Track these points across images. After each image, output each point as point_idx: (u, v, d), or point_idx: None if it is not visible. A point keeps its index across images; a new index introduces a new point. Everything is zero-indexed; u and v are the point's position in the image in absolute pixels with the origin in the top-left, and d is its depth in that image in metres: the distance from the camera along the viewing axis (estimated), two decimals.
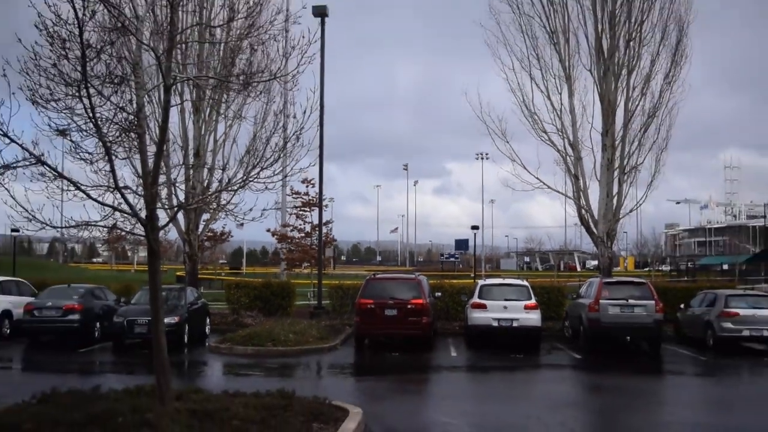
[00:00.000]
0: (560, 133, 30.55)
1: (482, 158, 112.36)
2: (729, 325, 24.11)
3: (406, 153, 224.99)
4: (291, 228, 50.70)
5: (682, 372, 21.51)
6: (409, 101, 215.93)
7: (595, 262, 50.31)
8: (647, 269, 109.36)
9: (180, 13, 10.96)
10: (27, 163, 10.52)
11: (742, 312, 24.25)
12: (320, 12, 30.76)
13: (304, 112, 12.37)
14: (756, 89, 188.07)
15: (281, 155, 13.28)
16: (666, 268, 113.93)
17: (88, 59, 10.00)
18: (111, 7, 10.32)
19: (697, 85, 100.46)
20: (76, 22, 9.74)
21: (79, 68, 9.95)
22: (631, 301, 23.95)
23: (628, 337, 24.43)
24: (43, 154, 10.50)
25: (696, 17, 30.62)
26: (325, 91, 30.76)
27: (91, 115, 10.27)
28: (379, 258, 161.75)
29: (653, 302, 23.93)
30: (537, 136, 30.86)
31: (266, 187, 13.12)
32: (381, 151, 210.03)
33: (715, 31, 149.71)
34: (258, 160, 12.86)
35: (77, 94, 10.17)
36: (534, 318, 24.62)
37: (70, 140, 11.21)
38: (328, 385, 18.38)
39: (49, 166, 10.61)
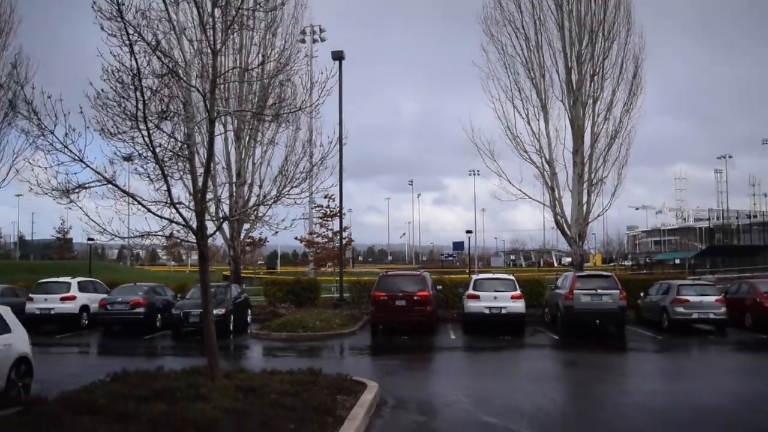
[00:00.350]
0: (538, 153, 30.64)
1: (474, 174, 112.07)
2: (681, 309, 24.13)
3: (411, 171, 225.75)
4: (316, 235, 50.91)
5: (643, 349, 21.40)
6: (413, 127, 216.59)
7: (569, 259, 50.25)
8: (612, 264, 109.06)
9: (221, 57, 10.99)
10: (99, 184, 10.59)
11: (691, 299, 24.24)
12: (338, 56, 30.83)
13: (330, 142, 12.46)
14: (697, 114, 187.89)
15: (308, 176, 13.33)
16: (628, 263, 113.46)
17: (146, 99, 10.07)
18: (164, 56, 10.39)
19: (651, 110, 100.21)
20: (136, 69, 9.82)
21: (139, 106, 10.02)
22: (599, 291, 23.88)
23: (598, 321, 24.30)
24: (112, 176, 10.58)
25: (648, 55, 30.97)
26: (342, 120, 30.81)
27: (149, 144, 10.34)
28: (389, 258, 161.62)
29: (618, 291, 23.89)
30: (519, 155, 30.96)
31: (295, 202, 13.19)
32: (390, 170, 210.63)
33: (665, 66, 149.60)
34: (289, 179, 12.93)
35: (138, 127, 10.24)
36: (519, 306, 24.51)
37: (134, 164, 11.30)
38: (349, 363, 18.36)
39: (118, 186, 10.68)
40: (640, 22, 30.89)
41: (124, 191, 10.69)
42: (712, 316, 24.07)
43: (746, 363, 19.59)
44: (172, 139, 10.95)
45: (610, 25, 30.16)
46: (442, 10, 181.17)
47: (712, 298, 24.42)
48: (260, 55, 24.06)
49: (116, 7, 9.73)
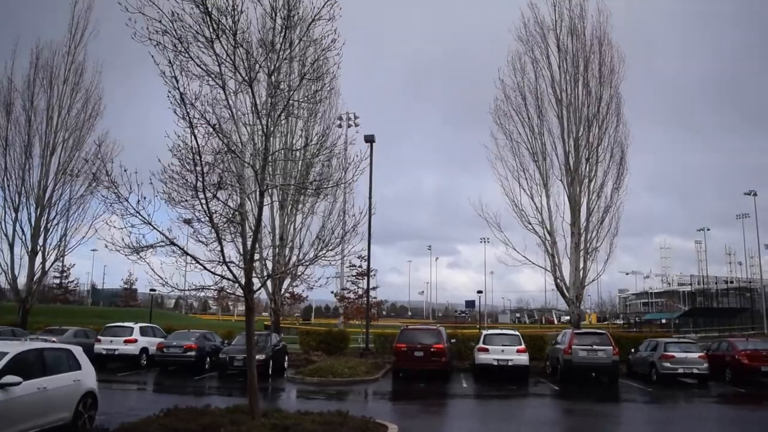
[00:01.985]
0: (541, 224, 30.55)
1: (485, 242, 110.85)
2: (668, 364, 23.64)
3: (429, 237, 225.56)
4: (347, 291, 50.81)
5: (634, 399, 20.80)
6: (431, 200, 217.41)
7: (568, 318, 49.36)
8: (606, 323, 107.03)
9: (271, 139, 11.21)
10: (163, 244, 10.73)
11: (677, 355, 23.77)
12: (369, 139, 31.30)
13: (361, 212, 12.56)
14: (677, 192, 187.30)
15: (342, 241, 13.38)
16: (620, 321, 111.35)
17: (205, 173, 10.28)
18: (223, 137, 10.64)
19: (636, 188, 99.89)
20: (197, 148, 10.07)
21: (198, 179, 10.23)
22: (595, 347, 23.53)
23: (594, 373, 23.84)
24: (174, 238, 10.71)
25: (633, 142, 31.21)
26: (372, 194, 31.05)
27: (207, 211, 10.48)
28: (410, 313, 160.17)
29: (611, 347, 23.57)
30: (524, 225, 30.85)
31: (330, 263, 13.25)
32: (410, 236, 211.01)
33: (648, 150, 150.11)
34: (325, 244, 12.97)
35: (197, 197, 10.41)
36: (524, 359, 24.18)
37: (193, 228, 11.44)
38: (372, 407, 18.03)
39: (179, 246, 10.81)
40: (626, 112, 31.19)
41: (183, 251, 10.80)
42: (695, 370, 23.55)
43: (727, 414, 18.97)
44: (227, 207, 11.11)
45: (602, 117, 30.46)
46: (456, 98, 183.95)
47: (695, 355, 23.93)
48: (303, 138, 24.57)
49: (180, 96, 10.06)
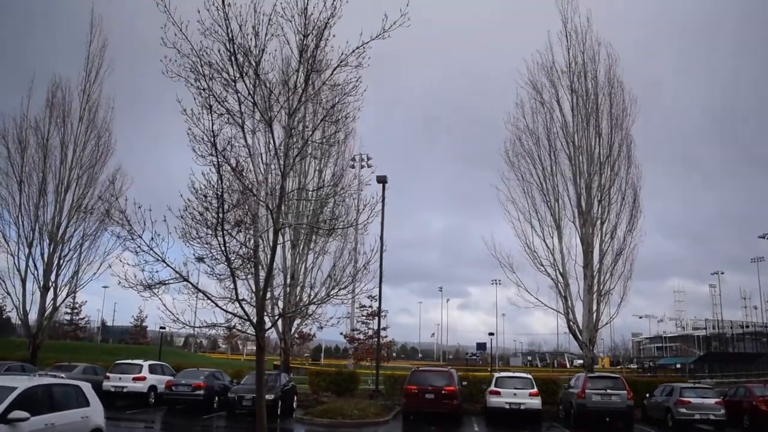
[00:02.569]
0: (553, 266, 30.30)
1: (496, 283, 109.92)
2: (684, 410, 23.13)
3: (439, 278, 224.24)
4: (357, 331, 50.50)
5: None
6: (441, 241, 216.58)
7: (581, 361, 48.64)
8: (619, 367, 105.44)
9: (286, 180, 11.29)
10: (176, 281, 10.73)
11: (693, 400, 23.28)
12: (381, 180, 31.36)
13: (373, 250, 12.53)
14: (689, 235, 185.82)
15: (353, 281, 13.33)
16: (633, 366, 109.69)
17: (224, 212, 10.36)
18: (240, 176, 10.75)
19: (649, 231, 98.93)
20: (221, 187, 10.18)
21: (217, 216, 10.31)
22: (609, 391, 23.10)
23: (608, 418, 23.34)
24: (187, 275, 10.73)
25: (645, 184, 30.89)
26: (383, 235, 31.00)
27: (223, 249, 10.52)
28: (420, 355, 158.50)
29: (625, 392, 23.12)
30: (536, 267, 30.59)
31: (342, 302, 13.21)
32: (420, 277, 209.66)
33: (660, 192, 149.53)
34: (336, 283, 12.94)
35: (214, 234, 10.47)
36: (536, 402, 23.83)
37: (206, 265, 11.45)
38: None
39: (192, 284, 10.82)
40: (637, 155, 31.14)
41: (196, 288, 10.81)
42: (712, 417, 22.98)
43: None
44: (242, 246, 11.14)
45: (614, 160, 30.41)
46: (465, 141, 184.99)
47: (712, 401, 23.43)
48: (316, 178, 24.74)
49: (212, 141, 10.22)
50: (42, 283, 33.02)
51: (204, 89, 10.33)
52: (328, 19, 10.63)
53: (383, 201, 31.13)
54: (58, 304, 34.55)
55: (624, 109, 31.03)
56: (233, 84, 10.53)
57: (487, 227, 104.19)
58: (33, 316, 33.77)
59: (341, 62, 10.79)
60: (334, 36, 10.86)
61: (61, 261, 33.58)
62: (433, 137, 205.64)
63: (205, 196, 10.64)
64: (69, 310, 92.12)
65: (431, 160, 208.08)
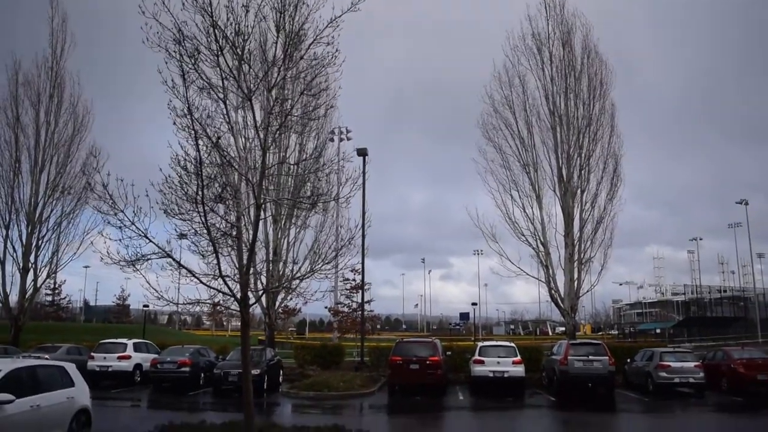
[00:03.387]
0: (534, 236, 30.46)
1: (479, 254, 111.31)
2: (664, 374, 23.60)
3: (421, 251, 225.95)
4: (341, 305, 50.73)
5: (631, 410, 20.80)
6: (422, 214, 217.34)
7: (563, 328, 49.35)
8: (601, 333, 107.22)
9: (267, 154, 11.22)
10: (158, 257, 10.68)
11: (673, 364, 23.75)
12: (362, 152, 31.20)
13: (356, 225, 12.54)
14: (667, 203, 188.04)
15: (336, 255, 13.33)
16: (614, 332, 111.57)
17: (205, 185, 10.28)
18: (222, 151, 10.66)
19: (629, 199, 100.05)
20: (198, 160, 10.08)
21: (199, 191, 10.23)
22: (590, 357, 23.46)
23: (590, 384, 23.73)
24: (171, 251, 10.68)
25: (626, 153, 31.03)
26: (365, 208, 30.93)
27: (205, 223, 10.47)
28: (404, 326, 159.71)
29: (607, 358, 23.49)
30: (517, 237, 30.74)
31: (326, 276, 13.24)
32: (402, 249, 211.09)
33: (640, 161, 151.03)
34: (319, 257, 12.93)
35: (196, 209, 10.40)
36: (519, 370, 24.11)
37: (189, 241, 11.39)
38: (369, 420, 17.95)
39: (174, 259, 10.77)
40: (619, 124, 31.24)
41: (179, 264, 10.77)
42: (692, 380, 23.46)
43: (726, 423, 19.05)
44: (224, 221, 11.08)
45: (595, 128, 30.50)
46: (441, 115, 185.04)
47: (691, 364, 23.90)
48: (297, 152, 24.50)
49: (187, 108, 10.10)
50: (21, 264, 32.65)
51: (185, 62, 10.19)
52: None
53: (364, 173, 31.03)
54: (38, 286, 34.22)
55: (602, 78, 31.04)
56: (216, 59, 10.40)
57: (467, 199, 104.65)
58: (14, 299, 33.50)
59: (317, 37, 10.72)
60: (309, 11, 10.82)
61: (40, 242, 33.18)
62: (408, 111, 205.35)
63: (185, 168, 10.54)
64: (50, 291, 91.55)
65: (407, 134, 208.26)
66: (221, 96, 10.78)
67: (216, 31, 10.19)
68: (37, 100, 33.87)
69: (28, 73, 34.06)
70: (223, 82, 10.64)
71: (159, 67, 10.08)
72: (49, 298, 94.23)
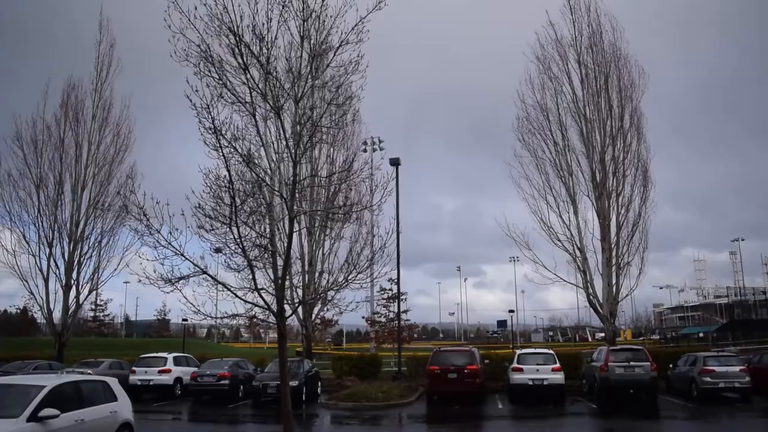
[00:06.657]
0: (570, 241, 30.03)
1: (514, 260, 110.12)
2: (708, 379, 22.93)
3: (454, 259, 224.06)
4: (378, 315, 50.75)
5: (675, 417, 20.34)
6: (454, 222, 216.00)
7: (602, 334, 48.48)
8: (642, 338, 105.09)
9: (298, 166, 11.29)
10: (195, 274, 10.81)
11: (717, 369, 23.07)
12: (395, 162, 31.31)
13: (387, 233, 12.53)
14: (700, 204, 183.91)
15: (370, 264, 13.34)
16: (656, 337, 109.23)
17: (237, 204, 10.40)
18: (253, 166, 10.77)
19: (662, 201, 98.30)
20: (230, 180, 10.21)
21: (230, 209, 10.35)
22: (632, 363, 23.01)
23: (631, 390, 23.27)
24: (206, 267, 10.81)
25: (654, 156, 30.50)
26: (399, 215, 30.97)
27: (239, 240, 10.57)
28: (441, 335, 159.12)
29: (649, 363, 23.00)
30: (553, 243, 30.32)
31: (361, 286, 13.21)
32: (434, 258, 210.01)
33: (668, 163, 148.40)
34: (354, 267, 12.95)
35: (229, 227, 10.52)
36: (559, 377, 23.77)
37: (225, 256, 11.52)
38: (408, 431, 17.86)
39: (210, 276, 10.90)
40: (646, 126, 30.74)
41: (215, 280, 10.89)
42: (737, 384, 22.75)
43: None
44: (258, 235, 11.18)
45: (626, 131, 30.12)
46: (469, 123, 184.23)
47: (736, 368, 23.19)
48: (328, 164, 24.72)
49: (212, 126, 10.24)
50: (64, 281, 33.41)
51: (213, 77, 10.35)
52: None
53: (397, 182, 31.10)
54: (80, 302, 34.97)
55: (632, 81, 30.65)
56: (243, 73, 10.53)
57: (497, 207, 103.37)
58: (57, 315, 34.20)
59: (342, 42, 10.79)
60: (333, 18, 10.93)
61: (82, 259, 33.93)
62: (431, 119, 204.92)
63: (217, 189, 10.68)
64: (92, 307, 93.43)
65: (432, 142, 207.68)
66: (250, 110, 10.89)
67: (241, 46, 10.32)
68: (79, 120, 34.96)
69: (74, 96, 35.35)
70: (251, 96, 10.76)
71: (186, 90, 10.19)
72: (92, 314, 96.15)
